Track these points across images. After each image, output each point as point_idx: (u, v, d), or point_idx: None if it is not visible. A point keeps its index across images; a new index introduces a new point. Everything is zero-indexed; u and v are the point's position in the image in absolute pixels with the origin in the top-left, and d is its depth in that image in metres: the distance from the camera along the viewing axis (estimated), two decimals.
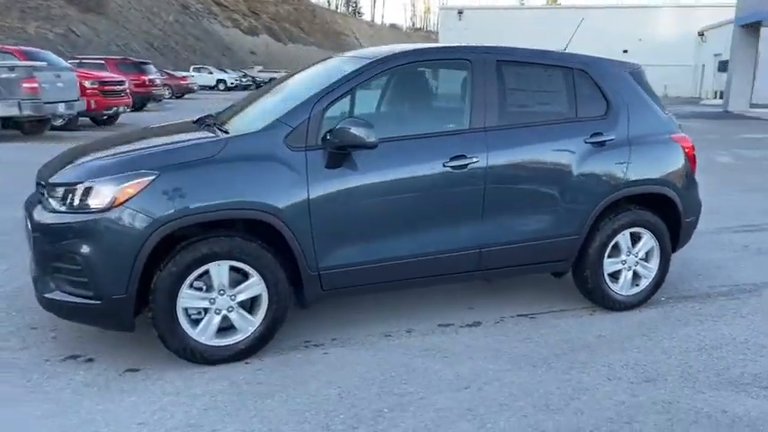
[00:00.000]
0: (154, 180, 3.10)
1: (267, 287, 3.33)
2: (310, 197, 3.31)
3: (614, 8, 46.86)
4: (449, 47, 3.81)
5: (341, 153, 3.36)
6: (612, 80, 4.13)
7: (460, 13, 46.17)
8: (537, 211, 3.87)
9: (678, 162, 4.21)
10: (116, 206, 3.07)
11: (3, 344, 3.53)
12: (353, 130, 3.25)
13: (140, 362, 3.35)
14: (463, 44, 3.81)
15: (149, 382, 3.15)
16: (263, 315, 3.37)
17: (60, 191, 3.21)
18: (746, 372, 3.40)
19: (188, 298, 3.22)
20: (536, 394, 3.11)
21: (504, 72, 3.82)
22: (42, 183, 3.43)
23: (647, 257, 4.22)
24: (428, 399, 3.04)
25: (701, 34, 43.72)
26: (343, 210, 3.41)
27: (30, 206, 3.52)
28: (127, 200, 3.08)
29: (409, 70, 3.72)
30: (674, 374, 3.35)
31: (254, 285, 3.32)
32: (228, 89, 43.26)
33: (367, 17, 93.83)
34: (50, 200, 3.24)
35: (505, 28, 44.86)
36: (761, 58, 25.21)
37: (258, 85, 50.03)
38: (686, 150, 4.25)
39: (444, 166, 3.58)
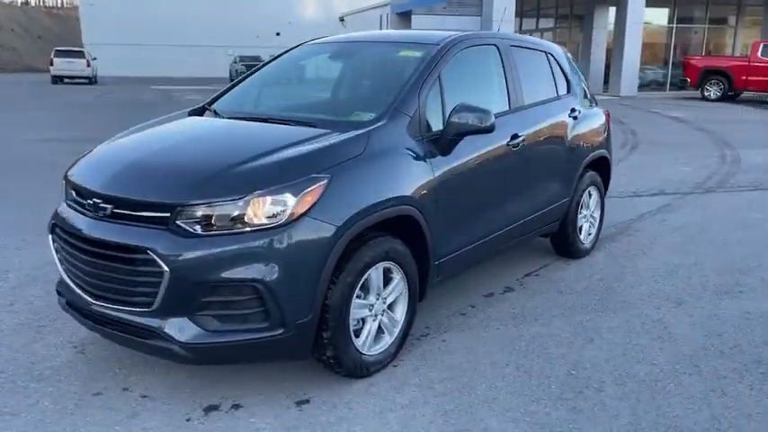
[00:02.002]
0: (328, 184, 2.74)
1: (408, 284, 3.21)
2: (436, 186, 3.28)
3: None
4: (481, 33, 4.03)
5: (454, 139, 3.38)
6: (565, 61, 4.84)
7: None
8: (552, 181, 4.39)
9: (606, 129, 5.13)
10: (296, 218, 2.64)
11: (96, 417, 2.71)
12: (473, 116, 3.30)
13: (290, 391, 2.94)
14: (488, 31, 4.05)
15: (344, 410, 2.80)
16: (404, 313, 3.24)
17: (201, 211, 2.60)
18: (723, 283, 4.46)
19: (355, 308, 2.94)
20: (644, 331, 3.66)
21: (516, 56, 4.19)
22: (129, 203, 2.71)
23: (593, 210, 5.08)
24: (585, 354, 3.37)
25: (341, 19, 47.92)
26: (455, 195, 3.43)
27: (85, 228, 2.75)
28: (308, 209, 2.67)
29: (464, 55, 3.81)
30: (691, 295, 4.24)
31: (399, 284, 3.18)
32: None
33: None
34: (182, 224, 2.60)
35: (148, 10, 43.49)
36: None
37: None
38: (607, 119, 5.19)
39: (508, 145, 3.83)
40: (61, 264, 3.06)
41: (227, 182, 2.68)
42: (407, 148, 3.17)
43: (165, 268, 2.55)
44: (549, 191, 4.37)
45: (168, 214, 2.62)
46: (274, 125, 3.34)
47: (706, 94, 21.07)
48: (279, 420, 2.72)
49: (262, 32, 46.63)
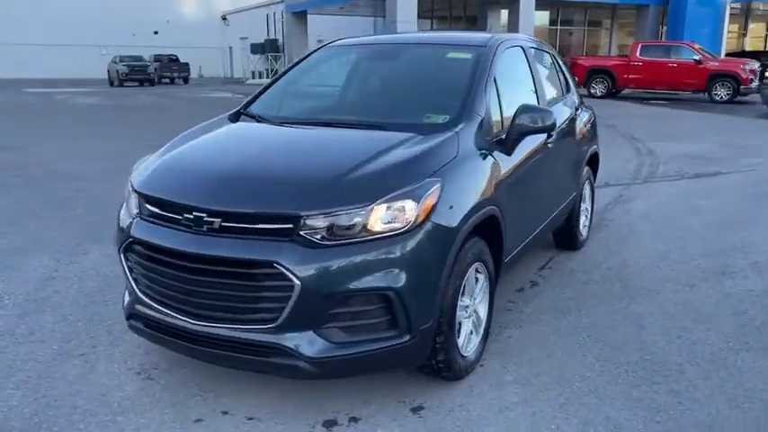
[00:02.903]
0: (442, 187, 2.72)
1: (489, 283, 3.25)
2: (506, 185, 3.33)
3: None
4: (509, 35, 4.11)
5: (518, 138, 3.44)
6: (561, 61, 5.04)
7: None
8: (568, 176, 4.58)
9: (595, 125, 5.40)
10: (420, 223, 2.60)
11: None
12: (536, 116, 3.38)
13: (398, 399, 2.88)
14: (513, 33, 4.16)
15: (463, 413, 2.79)
16: (486, 312, 3.26)
17: (324, 220, 2.50)
18: (715, 265, 4.83)
19: (458, 311, 2.94)
20: (681, 314, 3.90)
21: (535, 56, 4.34)
22: (238, 215, 2.55)
23: (587, 202, 5.34)
24: (645, 340, 3.55)
25: (224, 18, 46.61)
26: (517, 193, 3.49)
27: (187, 245, 2.57)
28: (429, 214, 2.64)
29: (505, 56, 3.85)
30: (695, 277, 4.56)
31: (484, 284, 3.20)
32: None
33: None
34: (305, 234, 2.49)
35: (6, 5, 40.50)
36: (309, 39, 28.98)
37: None
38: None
39: (546, 142, 3.95)
40: (138, 284, 2.83)
41: (348, 190, 2.58)
42: (483, 149, 3.20)
43: (296, 281, 2.43)
44: (566, 185, 4.56)
45: (291, 225, 2.49)
46: (352, 130, 3.24)
47: (592, 91, 22.48)
48: (405, 429, 2.67)
49: (138, 31, 44.40)
